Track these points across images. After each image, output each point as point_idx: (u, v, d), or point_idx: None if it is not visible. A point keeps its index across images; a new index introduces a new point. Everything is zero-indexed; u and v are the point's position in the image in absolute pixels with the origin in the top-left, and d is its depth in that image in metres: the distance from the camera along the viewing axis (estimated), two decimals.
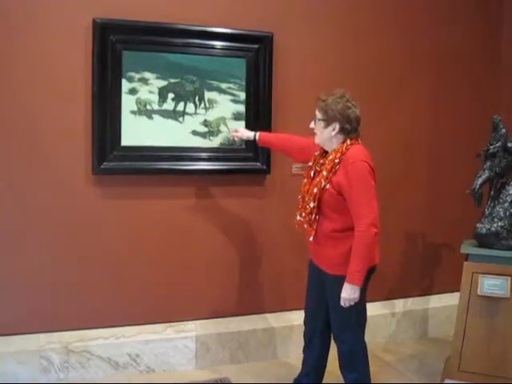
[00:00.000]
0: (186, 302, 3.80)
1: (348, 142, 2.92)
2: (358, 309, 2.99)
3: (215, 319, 3.87)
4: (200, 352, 3.78)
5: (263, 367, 3.83)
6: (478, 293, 3.37)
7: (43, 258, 3.47)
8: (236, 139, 3.62)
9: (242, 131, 3.53)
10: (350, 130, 2.92)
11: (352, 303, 2.88)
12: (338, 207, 2.91)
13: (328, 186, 2.89)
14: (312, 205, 2.92)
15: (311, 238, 3.00)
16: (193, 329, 3.78)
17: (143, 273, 3.68)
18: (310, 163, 3.09)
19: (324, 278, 3.07)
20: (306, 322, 3.33)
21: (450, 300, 4.28)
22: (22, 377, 3.41)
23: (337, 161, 2.89)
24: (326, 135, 2.95)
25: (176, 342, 3.72)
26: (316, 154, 3.08)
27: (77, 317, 3.56)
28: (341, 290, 2.88)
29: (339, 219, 2.92)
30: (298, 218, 3.06)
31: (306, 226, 3.00)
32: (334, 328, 3.14)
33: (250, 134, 3.48)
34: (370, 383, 3.14)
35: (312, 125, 3.00)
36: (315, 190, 2.91)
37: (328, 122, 2.91)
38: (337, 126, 2.90)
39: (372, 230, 2.81)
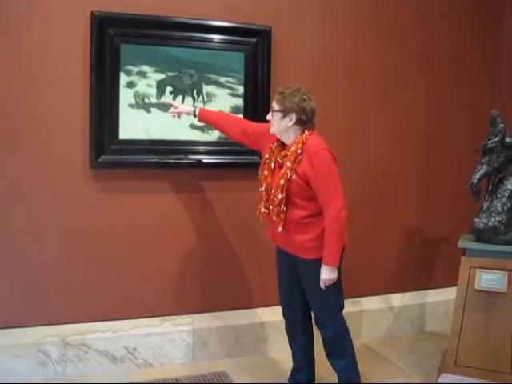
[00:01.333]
0: (183, 296, 3.80)
1: (306, 132, 3.01)
2: (337, 291, 3.12)
3: (212, 313, 3.88)
4: (197, 346, 3.78)
5: (260, 361, 3.84)
6: (476, 287, 3.37)
7: (41, 252, 3.47)
8: (175, 116, 3.52)
9: (181, 107, 3.51)
10: (306, 121, 3.02)
11: (331, 283, 2.99)
12: (305, 196, 3.00)
13: (294, 177, 2.97)
14: (280, 196, 2.98)
15: (280, 229, 3.04)
16: (190, 322, 3.79)
17: (140, 266, 3.68)
18: (267, 155, 3.14)
19: (298, 263, 3.13)
20: (284, 314, 3.38)
21: (448, 295, 4.28)
22: (20, 370, 3.41)
23: (299, 151, 2.98)
24: (282, 126, 3.02)
25: (173, 335, 3.72)
26: (272, 146, 3.13)
27: (74, 310, 3.57)
28: (318, 272, 2.99)
29: (308, 206, 3.01)
30: (264, 210, 3.12)
31: (274, 217, 3.04)
32: (315, 315, 3.22)
33: (190, 109, 3.47)
34: (357, 367, 3.24)
35: (269, 116, 3.07)
36: (282, 182, 2.98)
37: (285, 113, 2.99)
38: (294, 117, 2.99)
39: (342, 213, 2.95)
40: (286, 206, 3.01)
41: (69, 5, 3.36)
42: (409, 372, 3.77)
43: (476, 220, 3.49)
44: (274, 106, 3.03)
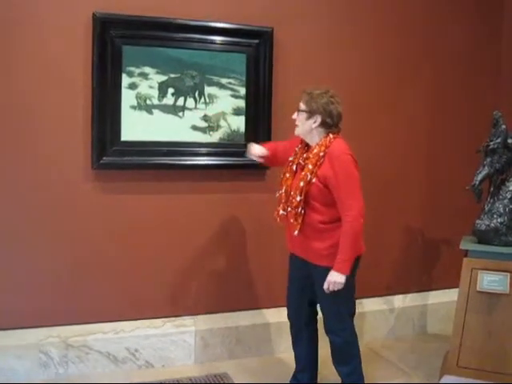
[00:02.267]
0: (185, 297, 3.80)
1: (331, 136, 2.99)
2: (348, 298, 3.11)
3: (214, 314, 3.88)
4: (199, 347, 3.78)
5: (262, 362, 3.84)
6: (478, 289, 3.37)
7: (42, 253, 3.47)
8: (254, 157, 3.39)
9: (257, 148, 3.34)
10: (331, 124, 3.00)
11: (335, 289, 2.94)
12: (324, 200, 2.96)
13: (314, 180, 2.94)
14: (299, 198, 2.96)
15: (296, 232, 3.01)
16: (192, 324, 3.79)
17: (142, 268, 3.68)
18: (291, 158, 3.12)
19: (312, 270, 3.09)
20: (290, 317, 3.36)
21: (449, 296, 4.28)
22: (21, 371, 3.41)
23: (321, 154, 2.95)
24: (306, 127, 3.01)
25: (175, 336, 3.72)
26: (297, 148, 3.12)
27: (76, 311, 3.57)
28: None
29: (326, 211, 2.98)
30: (282, 212, 3.10)
31: (291, 220, 3.02)
32: (326, 321, 3.17)
33: (263, 151, 3.34)
34: (362, 372, 3.22)
35: (294, 116, 3.05)
36: (301, 184, 2.95)
37: (310, 114, 2.98)
38: (318, 119, 2.97)
39: (360, 220, 2.92)
40: (303, 208, 2.98)
41: (70, 6, 3.36)
42: (410, 373, 3.77)
43: (478, 221, 3.48)
44: (301, 105, 3.02)
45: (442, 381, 3.39)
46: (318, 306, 3.24)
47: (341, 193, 2.91)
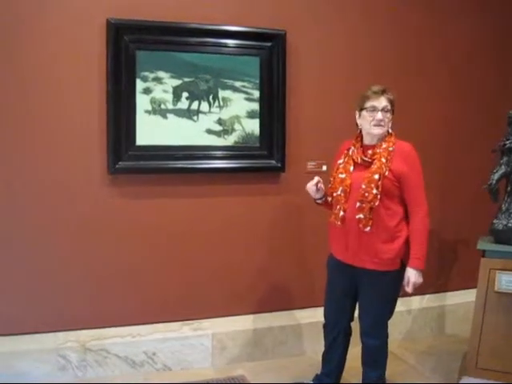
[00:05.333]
0: (201, 300, 3.81)
1: (390, 130, 3.05)
2: (395, 301, 3.13)
3: (231, 317, 3.88)
4: (216, 350, 3.78)
5: (279, 365, 3.83)
6: (495, 289, 3.34)
7: (60, 258, 3.50)
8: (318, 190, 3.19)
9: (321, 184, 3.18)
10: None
11: (416, 287, 2.98)
12: (392, 194, 2.95)
13: (387, 173, 2.92)
14: (375, 191, 2.90)
15: (368, 228, 2.93)
16: (208, 327, 3.80)
17: (159, 271, 3.69)
18: (340, 160, 3.10)
19: (361, 274, 3.04)
20: (328, 323, 3.30)
21: (467, 297, 4.25)
22: (40, 375, 3.43)
23: (391, 149, 2.96)
24: (389, 125, 3.04)
25: (192, 340, 3.73)
26: (347, 151, 3.10)
27: (94, 315, 3.59)
28: (384, 283, 2.99)
29: (393, 207, 2.97)
30: (342, 213, 3.01)
31: (361, 215, 2.93)
32: (364, 325, 3.13)
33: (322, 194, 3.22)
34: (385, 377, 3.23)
35: (381, 116, 2.98)
36: (376, 177, 2.91)
37: (392, 112, 3.03)
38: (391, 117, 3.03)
39: (429, 217, 3.00)
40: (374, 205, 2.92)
41: (85, 13, 3.39)
42: (428, 375, 3.75)
43: (495, 221, 3.46)
44: (387, 105, 2.99)
45: (462, 382, 3.37)
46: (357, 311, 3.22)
47: (414, 188, 2.96)
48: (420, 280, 2.97)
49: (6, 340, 3.42)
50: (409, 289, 2.97)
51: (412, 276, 2.95)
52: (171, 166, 3.62)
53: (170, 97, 3.59)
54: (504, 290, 3.33)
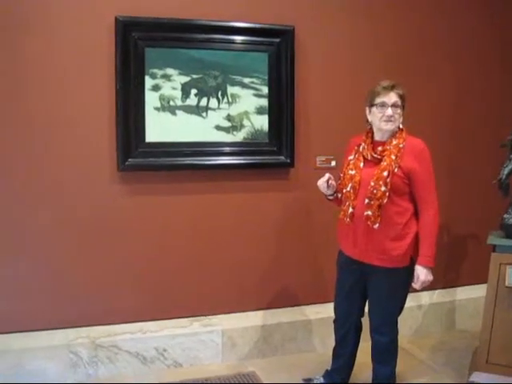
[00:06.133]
0: (211, 297, 3.82)
1: (401, 126, 3.02)
2: (405, 297, 3.12)
3: (240, 313, 3.89)
4: (226, 346, 3.79)
5: (289, 361, 3.83)
6: (506, 284, 3.34)
7: (70, 255, 3.51)
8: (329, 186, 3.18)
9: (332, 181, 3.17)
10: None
11: (426, 285, 2.98)
12: (402, 191, 2.94)
13: (397, 170, 2.90)
14: (383, 189, 2.89)
15: (377, 225, 2.92)
16: (219, 323, 3.80)
17: (169, 268, 3.70)
18: (351, 157, 3.08)
19: (370, 271, 3.04)
20: (338, 318, 3.31)
21: (477, 292, 4.24)
22: (51, 372, 3.45)
23: (401, 145, 2.94)
24: (400, 121, 3.02)
25: (202, 336, 3.74)
26: (357, 147, 3.08)
27: (104, 312, 3.61)
28: (394, 280, 2.99)
29: (404, 206, 2.96)
30: (350, 210, 3.00)
31: (370, 212, 2.92)
32: (375, 322, 3.14)
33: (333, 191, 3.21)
34: (395, 373, 3.21)
35: (390, 112, 2.96)
36: (385, 174, 2.89)
37: (403, 108, 3.01)
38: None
39: (439, 216, 2.98)
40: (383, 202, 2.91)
41: (93, 11, 3.39)
42: (439, 370, 3.74)
43: (506, 216, 3.45)
44: (397, 100, 2.97)
45: (472, 378, 3.36)
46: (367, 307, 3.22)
47: (424, 186, 2.94)
48: (429, 278, 2.96)
49: (17, 337, 3.44)
50: (417, 287, 2.98)
51: (421, 274, 2.94)
52: (180, 163, 3.62)
53: (178, 93, 3.60)
54: None
